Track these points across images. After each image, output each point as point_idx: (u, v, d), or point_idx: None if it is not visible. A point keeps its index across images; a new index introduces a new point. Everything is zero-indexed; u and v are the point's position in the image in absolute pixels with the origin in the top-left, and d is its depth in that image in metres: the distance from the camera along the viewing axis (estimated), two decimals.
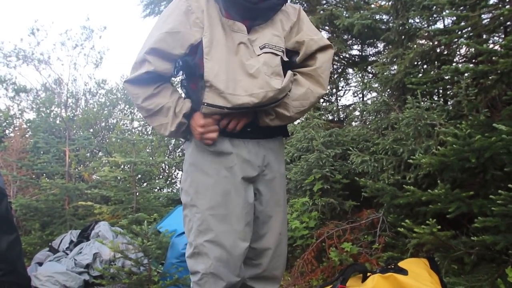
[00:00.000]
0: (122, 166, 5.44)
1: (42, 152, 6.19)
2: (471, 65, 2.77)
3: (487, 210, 2.20)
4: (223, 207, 1.56)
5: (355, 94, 5.97)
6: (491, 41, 3.26)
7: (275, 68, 1.55)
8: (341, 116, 6.06)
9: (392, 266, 2.21)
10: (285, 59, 1.62)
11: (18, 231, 3.38)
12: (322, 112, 4.96)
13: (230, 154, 1.58)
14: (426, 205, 2.51)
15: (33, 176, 5.72)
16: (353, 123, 5.22)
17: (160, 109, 1.56)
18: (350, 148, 3.54)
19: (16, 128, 7.76)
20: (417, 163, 2.68)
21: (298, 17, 1.70)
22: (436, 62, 3.66)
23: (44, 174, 5.65)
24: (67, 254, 3.70)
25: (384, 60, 4.18)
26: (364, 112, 4.38)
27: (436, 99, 3.65)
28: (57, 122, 7.20)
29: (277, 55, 1.58)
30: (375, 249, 3.03)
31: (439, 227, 2.16)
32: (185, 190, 1.65)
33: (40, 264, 3.69)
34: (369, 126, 4.09)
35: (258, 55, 1.55)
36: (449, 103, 3.63)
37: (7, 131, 7.73)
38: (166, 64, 1.53)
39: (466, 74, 2.86)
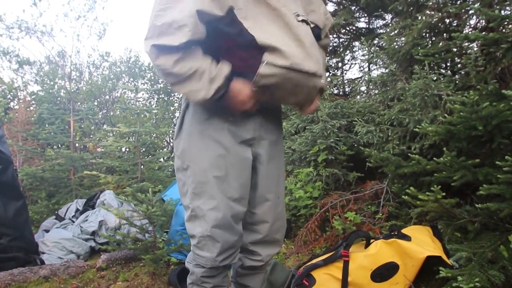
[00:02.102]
0: (127, 138, 5.45)
1: (46, 125, 6.21)
2: (482, 33, 2.71)
3: (493, 178, 2.18)
4: (218, 169, 1.53)
5: (361, 68, 5.91)
6: (502, 12, 3.18)
7: (315, 43, 1.46)
8: (346, 90, 6.01)
9: (396, 233, 2.22)
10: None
11: (24, 198, 3.42)
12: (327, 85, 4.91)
13: (226, 118, 1.54)
14: (431, 175, 2.50)
15: (38, 148, 5.76)
16: (358, 97, 5.18)
17: (193, 73, 1.36)
18: (356, 119, 3.51)
19: (21, 101, 7.75)
20: (423, 132, 2.66)
21: None
22: (444, 34, 3.59)
23: (49, 145, 5.66)
24: (73, 222, 3.75)
25: (391, 31, 4.10)
26: (370, 83, 4.32)
27: (443, 71, 3.60)
28: (61, 94, 7.19)
29: (310, 26, 1.47)
30: (379, 219, 3.04)
31: (444, 194, 2.15)
32: (178, 154, 1.62)
33: (47, 231, 3.75)
34: (375, 98, 4.05)
35: (299, 21, 1.41)
36: (456, 75, 3.58)
37: (11, 104, 7.73)
38: (203, 29, 1.33)
39: (475, 43, 2.81)
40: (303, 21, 1.43)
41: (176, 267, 2.83)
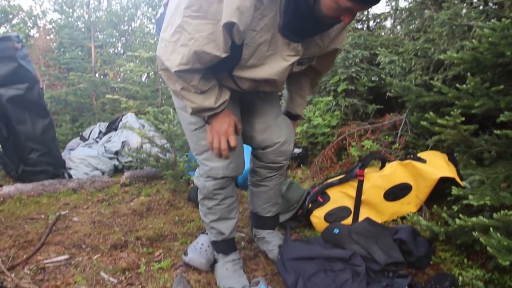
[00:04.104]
0: (147, 66, 5.47)
1: (67, 53, 6.25)
2: None
3: None
4: None
5: (388, 3, 5.66)
6: None
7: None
8: (370, 25, 5.81)
9: (411, 156, 2.26)
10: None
11: (51, 116, 3.54)
12: None
13: None
14: (451, 106, 2.49)
15: (60, 75, 5.84)
16: (383, 33, 5.03)
17: (210, 89, 1.49)
18: (379, 49, 3.44)
19: (41, 29, 7.73)
20: (448, 61, 2.61)
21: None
22: None
23: (71, 70, 5.73)
24: (97, 142, 3.91)
25: None
26: (396, 15, 4.18)
27: (475, 0, 3.45)
28: (80, 24, 7.14)
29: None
30: (395, 149, 3.08)
31: (463, 119, 2.15)
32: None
33: (73, 150, 3.92)
34: (400, 31, 3.95)
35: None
36: (489, 4, 3.43)
37: (31, 32, 7.72)
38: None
39: None
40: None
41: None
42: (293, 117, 2.00)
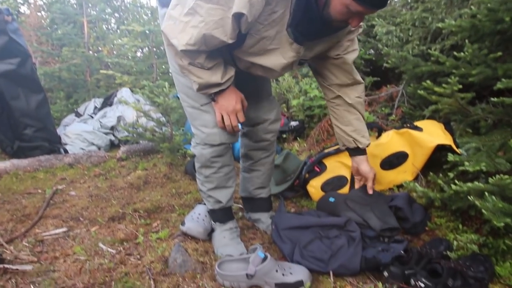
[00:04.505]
0: (141, 41, 5.39)
1: (59, 30, 6.13)
2: None
3: None
4: None
5: None
6: None
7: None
8: None
9: (408, 125, 2.26)
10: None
11: (45, 92, 3.50)
12: None
13: None
14: (449, 76, 2.47)
15: (53, 51, 5.74)
16: None
17: (216, 65, 1.50)
18: (376, 20, 3.39)
19: (31, 5, 7.56)
20: (446, 29, 2.58)
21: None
22: None
23: (64, 46, 5.64)
24: (92, 118, 3.88)
25: None
26: None
27: None
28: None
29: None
30: (392, 120, 3.07)
31: (460, 86, 2.14)
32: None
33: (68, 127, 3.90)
34: (397, 2, 3.87)
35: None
36: None
37: (22, 9, 7.55)
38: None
39: None
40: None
41: (193, 158, 2.96)
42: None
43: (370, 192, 1.94)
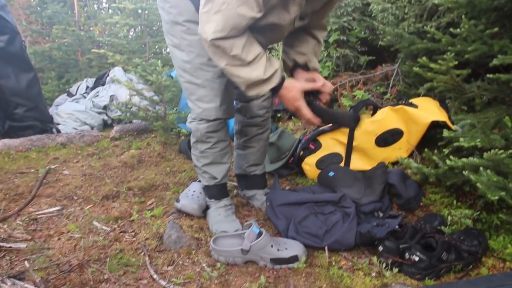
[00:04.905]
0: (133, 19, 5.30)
1: (49, 9, 6.00)
2: None
3: (509, 50, 2.14)
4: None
5: None
6: None
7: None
8: None
9: (404, 102, 2.25)
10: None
11: (35, 70, 3.44)
12: None
13: None
14: (444, 54, 2.45)
15: (43, 30, 5.62)
16: None
17: (257, 59, 1.40)
18: None
19: None
20: (442, 6, 2.55)
21: None
22: None
23: (54, 24, 5.53)
24: (85, 97, 3.83)
25: None
26: None
27: None
28: None
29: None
30: (387, 99, 3.06)
31: (456, 62, 2.12)
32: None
33: None
34: None
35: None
36: None
37: None
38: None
39: None
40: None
41: (187, 137, 2.94)
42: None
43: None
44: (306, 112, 1.50)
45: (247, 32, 1.37)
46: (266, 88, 1.44)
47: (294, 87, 1.49)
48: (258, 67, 1.40)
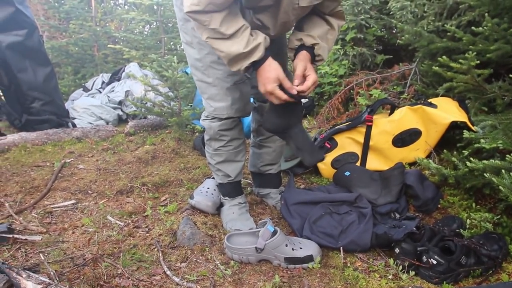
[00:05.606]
0: (149, 15, 5.32)
1: (66, 4, 6.06)
2: None
3: None
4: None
5: None
6: None
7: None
8: None
9: (422, 101, 2.21)
10: None
11: (52, 65, 3.47)
12: None
13: None
14: (465, 53, 2.40)
15: (61, 26, 5.68)
16: None
17: (238, 32, 1.33)
18: None
19: None
20: (464, 3, 2.50)
21: None
22: None
23: (72, 19, 5.59)
24: (100, 92, 3.85)
25: None
26: None
27: None
28: None
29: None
30: (404, 99, 3.01)
31: (478, 62, 2.07)
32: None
33: None
34: None
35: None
36: None
37: None
38: None
39: None
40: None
41: (201, 134, 2.94)
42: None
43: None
44: (280, 93, 1.42)
45: (231, 7, 1.32)
46: (246, 62, 1.36)
47: (275, 70, 1.40)
48: (239, 41, 1.33)
